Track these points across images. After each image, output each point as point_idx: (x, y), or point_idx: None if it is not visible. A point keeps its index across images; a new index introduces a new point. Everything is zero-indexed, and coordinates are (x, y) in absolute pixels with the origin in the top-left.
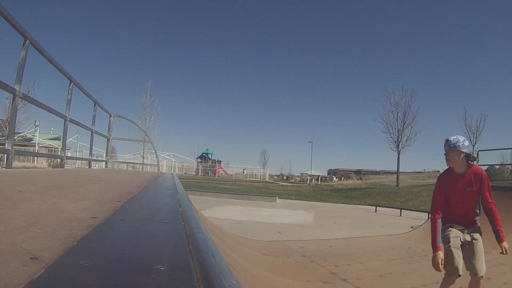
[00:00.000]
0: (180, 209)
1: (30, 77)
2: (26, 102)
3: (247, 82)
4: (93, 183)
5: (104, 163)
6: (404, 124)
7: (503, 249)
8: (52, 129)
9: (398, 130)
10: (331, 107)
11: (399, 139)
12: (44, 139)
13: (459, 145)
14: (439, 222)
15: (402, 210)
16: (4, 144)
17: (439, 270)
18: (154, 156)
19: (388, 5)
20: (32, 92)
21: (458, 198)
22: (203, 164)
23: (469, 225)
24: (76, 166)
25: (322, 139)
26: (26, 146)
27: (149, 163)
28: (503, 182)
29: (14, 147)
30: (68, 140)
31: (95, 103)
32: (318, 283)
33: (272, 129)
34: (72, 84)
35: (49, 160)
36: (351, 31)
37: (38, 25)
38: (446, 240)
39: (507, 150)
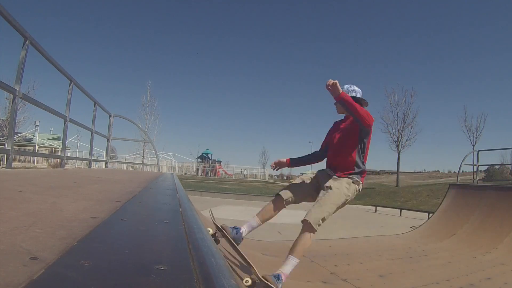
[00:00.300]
0: (180, 209)
1: (30, 77)
2: (26, 102)
3: (247, 82)
4: (93, 183)
5: (104, 163)
6: (404, 124)
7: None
8: (52, 129)
9: (398, 130)
10: (331, 107)
11: (399, 139)
12: (44, 139)
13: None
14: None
15: (402, 210)
16: (4, 144)
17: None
18: (154, 156)
19: (388, 5)
20: (32, 92)
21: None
22: (203, 164)
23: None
24: (76, 166)
25: (322, 139)
26: (26, 146)
27: (149, 163)
28: (503, 182)
29: (14, 147)
30: (68, 140)
31: (95, 103)
32: (318, 283)
33: (272, 129)
34: (72, 84)
35: (49, 160)
36: (351, 31)
37: (38, 25)
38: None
39: (507, 150)
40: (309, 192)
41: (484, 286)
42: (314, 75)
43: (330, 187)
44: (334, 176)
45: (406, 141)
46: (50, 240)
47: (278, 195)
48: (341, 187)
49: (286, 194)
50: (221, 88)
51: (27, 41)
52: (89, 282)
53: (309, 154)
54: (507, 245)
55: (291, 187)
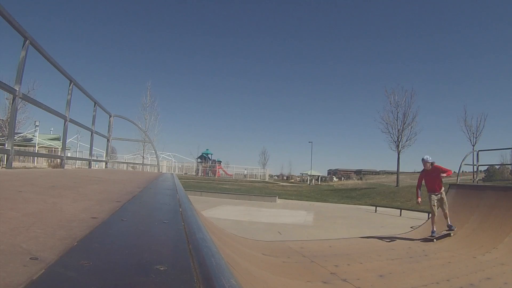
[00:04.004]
0: (180, 209)
1: (30, 77)
2: (26, 102)
3: (247, 82)
4: (93, 183)
5: (104, 163)
6: (404, 124)
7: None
8: (52, 129)
9: (398, 130)
10: (331, 107)
11: (399, 139)
12: (44, 139)
13: (428, 160)
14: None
15: (402, 210)
16: (4, 144)
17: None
18: (154, 156)
19: (388, 5)
20: (32, 92)
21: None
22: (203, 164)
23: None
24: (76, 166)
25: (322, 139)
26: (26, 146)
27: (149, 163)
28: (503, 182)
29: (14, 147)
30: (68, 140)
31: (95, 103)
32: (318, 283)
33: (272, 129)
34: (72, 84)
35: (49, 160)
36: (351, 31)
37: (38, 25)
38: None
39: (507, 150)
40: None
41: (484, 286)
42: (314, 75)
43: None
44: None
45: (406, 141)
46: (50, 240)
47: None
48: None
49: None
50: (221, 88)
51: (27, 41)
52: (89, 282)
53: None
54: (507, 245)
55: None
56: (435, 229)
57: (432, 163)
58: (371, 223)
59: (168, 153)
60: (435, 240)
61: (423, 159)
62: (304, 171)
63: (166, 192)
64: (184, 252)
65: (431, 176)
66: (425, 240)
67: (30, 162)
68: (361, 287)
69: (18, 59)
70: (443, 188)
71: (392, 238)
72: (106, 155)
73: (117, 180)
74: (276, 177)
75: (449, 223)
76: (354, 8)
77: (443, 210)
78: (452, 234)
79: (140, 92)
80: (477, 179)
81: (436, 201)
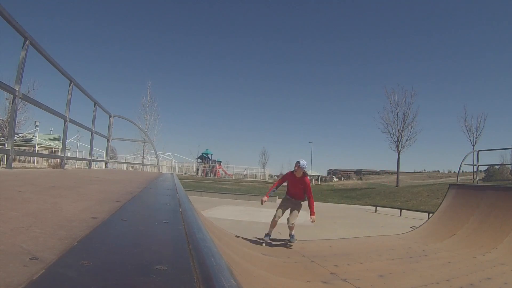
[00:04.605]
0: (180, 209)
1: (30, 77)
2: (26, 102)
3: (247, 82)
4: (93, 183)
5: (104, 163)
6: (404, 124)
7: (312, 220)
8: (52, 129)
9: (398, 130)
10: (331, 107)
11: (399, 139)
12: (44, 140)
13: (305, 167)
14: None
15: (402, 210)
16: (4, 145)
17: (261, 203)
18: (154, 156)
19: (388, 5)
20: (32, 92)
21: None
22: (203, 164)
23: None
24: (76, 166)
25: (322, 139)
26: (26, 146)
27: (149, 163)
28: (503, 182)
29: (14, 147)
30: (68, 141)
31: (95, 103)
32: (318, 283)
33: (272, 129)
34: (72, 84)
35: (49, 161)
36: (351, 31)
37: (38, 25)
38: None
39: (507, 150)
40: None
41: (484, 286)
42: (314, 75)
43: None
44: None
45: (406, 141)
46: (50, 240)
47: None
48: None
49: None
50: (221, 88)
51: (27, 41)
52: (89, 282)
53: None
54: (507, 245)
55: None
56: (271, 233)
57: (304, 173)
58: (371, 223)
59: (168, 153)
60: (264, 244)
61: (298, 163)
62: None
63: (166, 192)
64: (184, 252)
65: (295, 184)
66: (256, 241)
67: (30, 162)
68: (361, 287)
69: (18, 59)
70: (304, 202)
71: (392, 238)
72: (106, 155)
73: (117, 180)
74: (276, 177)
75: (293, 233)
76: (354, 8)
77: (290, 220)
78: (291, 246)
79: (140, 92)
80: (477, 179)
81: (288, 204)
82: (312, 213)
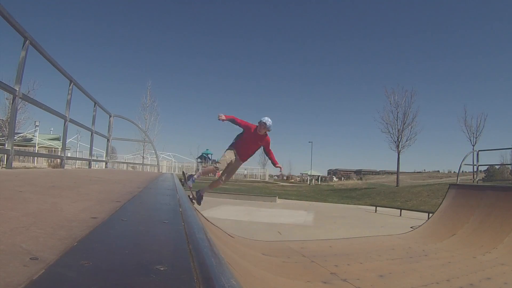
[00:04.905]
0: (180, 209)
1: (30, 77)
2: (26, 102)
3: (247, 82)
4: (93, 183)
5: (104, 163)
6: (404, 124)
7: (279, 167)
8: (52, 129)
9: (398, 130)
10: (331, 107)
11: (399, 139)
12: (44, 139)
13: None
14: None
15: (402, 210)
16: (4, 144)
17: (219, 118)
18: (154, 156)
19: (388, 5)
20: (32, 92)
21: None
22: (203, 164)
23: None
24: (76, 166)
25: (322, 139)
26: (26, 146)
27: (149, 163)
28: (503, 182)
29: (14, 147)
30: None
31: (95, 103)
32: (318, 283)
33: (272, 129)
34: (72, 84)
35: (49, 160)
36: (351, 31)
37: (38, 25)
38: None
39: (507, 150)
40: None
41: (484, 286)
42: (314, 75)
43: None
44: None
45: (406, 141)
46: (50, 240)
47: None
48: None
49: None
50: (220, 88)
51: (27, 41)
52: (89, 282)
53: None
54: (507, 245)
55: None
56: (199, 178)
57: (266, 132)
58: (371, 223)
59: (168, 153)
60: (190, 189)
61: (263, 122)
62: (304, 171)
63: (166, 192)
64: (184, 252)
65: (254, 140)
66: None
67: (30, 162)
68: (361, 287)
69: (18, 59)
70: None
71: (392, 238)
72: (106, 155)
73: (117, 180)
74: (276, 177)
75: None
76: (354, 8)
77: (224, 175)
78: (194, 203)
79: (140, 92)
80: (477, 179)
81: (232, 161)
82: (276, 162)
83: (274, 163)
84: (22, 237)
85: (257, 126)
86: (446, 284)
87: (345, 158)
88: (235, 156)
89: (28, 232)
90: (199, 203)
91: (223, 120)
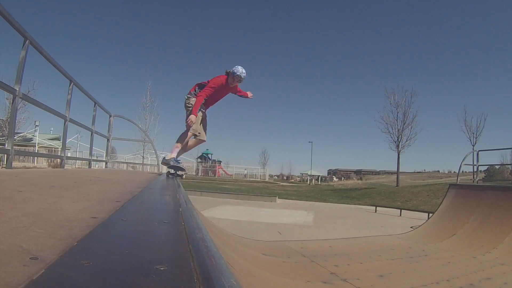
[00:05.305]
0: (180, 209)
1: (30, 77)
2: (26, 102)
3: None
4: (93, 183)
5: (104, 163)
6: (404, 124)
7: (250, 95)
8: (52, 129)
9: (398, 130)
10: (331, 107)
11: (399, 139)
12: (44, 139)
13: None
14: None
15: (402, 210)
16: (4, 144)
17: (191, 125)
18: (154, 156)
19: (388, 5)
20: (32, 92)
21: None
22: (203, 164)
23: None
24: (76, 166)
25: (322, 139)
26: (26, 146)
27: (149, 163)
28: (503, 182)
29: (14, 147)
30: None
31: (95, 103)
32: (318, 283)
33: (272, 129)
34: (72, 84)
35: (49, 160)
36: (351, 31)
37: (38, 25)
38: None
39: (507, 150)
40: None
41: (484, 286)
42: (314, 75)
43: None
44: None
45: (406, 141)
46: (50, 240)
47: None
48: None
49: None
50: None
51: (27, 41)
52: (89, 282)
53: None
54: (507, 245)
55: None
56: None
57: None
58: (371, 223)
59: (168, 153)
60: (171, 168)
61: (237, 75)
62: (304, 171)
63: (166, 192)
64: (184, 252)
65: (224, 92)
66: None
67: (30, 162)
68: (361, 287)
69: (18, 59)
70: None
71: (392, 238)
72: (106, 155)
73: (117, 180)
74: (276, 177)
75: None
76: (354, 8)
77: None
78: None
79: (140, 92)
80: (477, 179)
81: (201, 117)
82: (245, 94)
83: (245, 96)
84: (22, 237)
85: (227, 77)
86: (446, 284)
87: (345, 158)
88: (202, 112)
89: (28, 232)
90: (183, 169)
91: (194, 120)
